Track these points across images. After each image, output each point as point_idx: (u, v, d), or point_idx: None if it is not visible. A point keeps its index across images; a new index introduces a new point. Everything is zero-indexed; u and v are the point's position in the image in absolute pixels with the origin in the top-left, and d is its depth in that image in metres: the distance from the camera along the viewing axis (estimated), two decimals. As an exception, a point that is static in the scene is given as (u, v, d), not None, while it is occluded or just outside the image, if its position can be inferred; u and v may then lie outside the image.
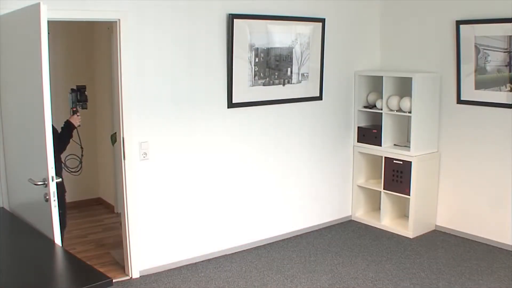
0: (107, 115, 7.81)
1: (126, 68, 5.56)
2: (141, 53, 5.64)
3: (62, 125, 5.60)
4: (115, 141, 6.11)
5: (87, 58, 8.25)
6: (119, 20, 5.45)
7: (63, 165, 5.69)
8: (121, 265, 6.12)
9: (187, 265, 6.24)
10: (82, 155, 5.89)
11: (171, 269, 6.12)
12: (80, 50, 8.20)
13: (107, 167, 8.18)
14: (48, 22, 4.09)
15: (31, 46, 4.15)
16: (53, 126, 4.66)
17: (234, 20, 6.10)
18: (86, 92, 5.76)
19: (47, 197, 4.19)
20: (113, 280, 5.60)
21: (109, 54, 6.69)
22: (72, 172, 5.95)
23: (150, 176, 5.89)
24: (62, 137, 5.48)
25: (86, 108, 5.79)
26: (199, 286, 5.74)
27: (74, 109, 5.67)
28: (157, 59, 5.76)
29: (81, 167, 5.96)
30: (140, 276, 5.94)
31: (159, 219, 6.02)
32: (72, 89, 5.71)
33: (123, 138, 5.64)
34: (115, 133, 6.06)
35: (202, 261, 6.35)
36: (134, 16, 5.54)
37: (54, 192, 4.17)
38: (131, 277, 5.92)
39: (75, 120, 5.62)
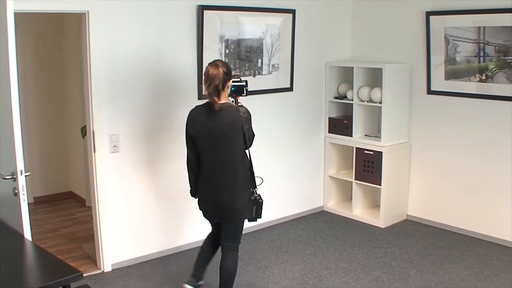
0: (78, 108, 7.74)
1: (96, 60, 5.51)
2: (110, 45, 5.60)
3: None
4: (86, 134, 6.07)
5: (57, 50, 8.16)
6: (88, 11, 5.39)
7: None
8: (93, 259, 6.09)
9: (159, 257, 6.22)
10: None
11: (143, 262, 6.10)
12: (50, 42, 8.11)
13: (78, 160, 8.13)
14: (15, 14, 4.05)
15: (-2, 39, 4.10)
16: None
17: (204, 11, 6.07)
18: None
19: (16, 191, 4.15)
20: (85, 274, 5.65)
21: (79, 46, 6.63)
22: None
23: (120, 169, 5.86)
24: (252, 128, 4.87)
25: None
26: (172, 279, 5.73)
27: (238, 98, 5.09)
28: (127, 51, 5.72)
29: None
30: (112, 270, 5.91)
31: (130, 212, 6.00)
32: (238, 78, 5.10)
33: (93, 131, 5.60)
34: (86, 125, 6.01)
35: (175, 254, 6.35)
36: (103, 8, 5.48)
37: (23, 186, 4.13)
38: (103, 271, 5.90)
39: None
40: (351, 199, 7.61)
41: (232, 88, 4.92)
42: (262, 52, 6.74)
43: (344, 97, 7.54)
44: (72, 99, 8.12)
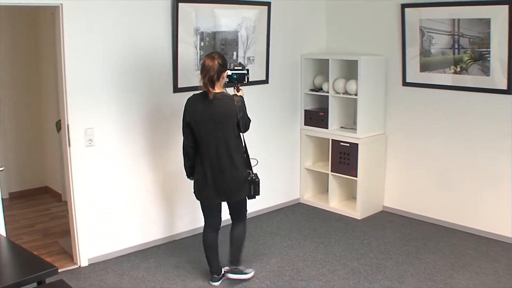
0: (53, 102, 7.68)
1: (70, 54, 5.47)
2: (85, 38, 5.55)
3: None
4: (61, 128, 6.03)
5: (32, 44, 8.09)
6: (61, 4, 5.35)
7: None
8: (70, 254, 6.06)
9: (136, 251, 6.21)
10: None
11: (120, 256, 6.08)
12: (24, 36, 8.02)
13: (53, 155, 8.07)
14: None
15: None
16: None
17: (179, 4, 6.05)
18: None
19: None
20: (61, 269, 5.64)
21: (54, 40, 6.58)
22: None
23: (96, 163, 5.83)
24: (246, 115, 5.25)
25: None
26: (149, 273, 5.72)
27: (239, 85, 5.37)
28: (102, 44, 5.68)
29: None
30: (88, 264, 5.89)
31: (106, 206, 5.97)
32: (241, 66, 5.42)
33: (67, 125, 5.57)
34: (60, 120, 5.97)
35: (152, 247, 6.33)
36: (77, 1, 5.43)
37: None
38: (79, 266, 5.86)
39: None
40: (328, 191, 7.62)
41: (234, 76, 5.31)
42: (237, 45, 6.73)
43: (320, 89, 7.55)
44: (47, 93, 8.05)
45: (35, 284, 3.70)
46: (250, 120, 5.30)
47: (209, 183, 5.17)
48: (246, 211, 5.54)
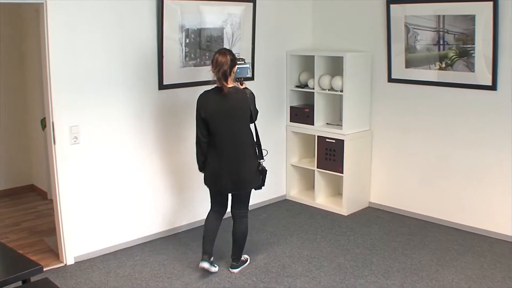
0: (39, 100, 7.64)
1: (54, 51, 5.44)
2: (69, 36, 5.53)
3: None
4: (45, 126, 6.00)
5: (17, 41, 8.03)
6: (45, 1, 5.32)
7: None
8: (56, 252, 6.03)
9: (122, 249, 6.19)
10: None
11: (106, 254, 6.07)
12: (9, 33, 7.97)
13: (39, 153, 8.03)
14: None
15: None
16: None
17: (164, 1, 6.03)
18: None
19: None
20: (47, 268, 5.62)
21: (38, 37, 6.55)
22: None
23: (81, 161, 5.81)
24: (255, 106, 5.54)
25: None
26: (135, 270, 5.71)
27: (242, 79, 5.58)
28: (86, 42, 5.66)
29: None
30: (75, 263, 5.87)
31: (92, 204, 5.95)
32: (243, 61, 5.59)
33: (52, 122, 5.54)
34: (45, 117, 5.94)
35: (138, 245, 6.32)
36: (61, -2, 5.43)
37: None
38: (65, 264, 5.84)
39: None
40: (314, 187, 7.63)
41: (237, 70, 5.43)
42: (222, 42, 6.71)
43: (305, 85, 7.56)
44: (33, 91, 8.01)
45: (20, 283, 3.69)
46: (257, 111, 5.55)
47: (223, 174, 5.34)
48: (248, 205, 5.73)
